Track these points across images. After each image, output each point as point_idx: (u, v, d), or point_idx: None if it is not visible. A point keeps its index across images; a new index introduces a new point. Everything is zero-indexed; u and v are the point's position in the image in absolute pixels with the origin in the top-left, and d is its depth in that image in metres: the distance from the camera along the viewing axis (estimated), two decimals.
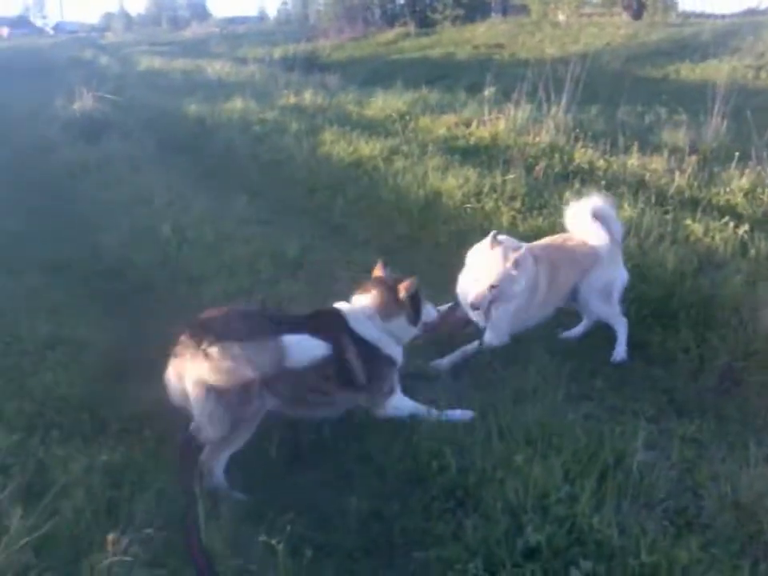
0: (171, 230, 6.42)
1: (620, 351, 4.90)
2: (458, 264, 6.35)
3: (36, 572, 2.35)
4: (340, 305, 3.94)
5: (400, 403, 3.90)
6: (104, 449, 3.36)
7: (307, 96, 12.67)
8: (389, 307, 3.89)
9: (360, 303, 3.90)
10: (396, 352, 3.92)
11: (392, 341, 3.91)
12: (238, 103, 12.18)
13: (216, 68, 16.48)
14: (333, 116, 11.12)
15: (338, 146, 9.32)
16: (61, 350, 4.25)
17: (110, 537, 2.43)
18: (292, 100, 12.53)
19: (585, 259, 4.90)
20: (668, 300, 5.20)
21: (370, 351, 3.80)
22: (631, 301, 5.26)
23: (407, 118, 10.89)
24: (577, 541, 3.05)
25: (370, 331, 3.83)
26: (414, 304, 3.95)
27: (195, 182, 8.62)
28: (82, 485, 2.94)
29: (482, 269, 4.63)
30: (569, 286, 4.94)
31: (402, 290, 3.88)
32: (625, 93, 11.10)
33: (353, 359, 3.73)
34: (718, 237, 5.92)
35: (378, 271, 4.08)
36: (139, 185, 8.04)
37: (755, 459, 3.66)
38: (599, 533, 3.06)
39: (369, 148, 9.00)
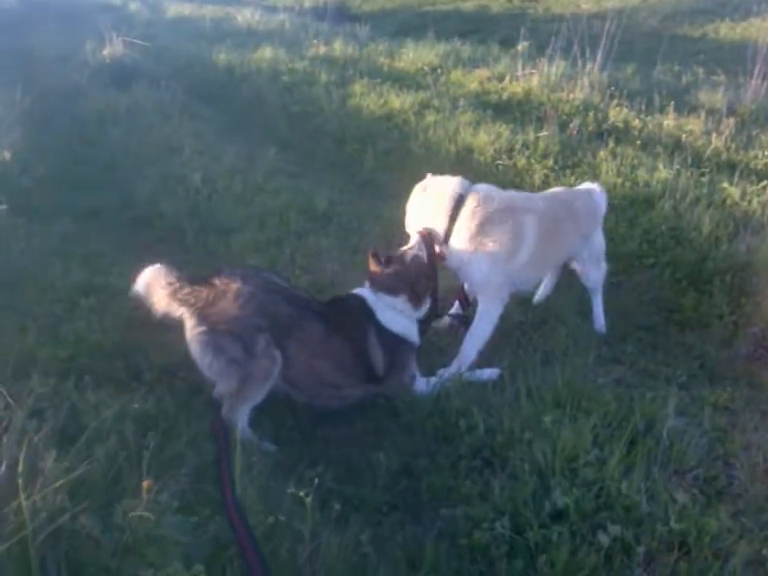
0: (201, 180, 6.39)
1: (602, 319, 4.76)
2: None
3: (70, 514, 2.37)
4: (364, 292, 3.86)
5: (421, 387, 3.83)
6: (136, 397, 3.38)
7: (337, 47, 12.48)
8: (417, 295, 3.85)
9: (385, 292, 3.82)
10: (416, 335, 3.89)
11: (415, 326, 3.87)
12: (267, 52, 12.02)
13: (246, 16, 16.22)
14: (363, 67, 10.95)
15: (368, 98, 9.20)
16: (93, 297, 4.26)
17: (146, 482, 2.44)
18: (322, 50, 12.34)
19: (588, 216, 4.59)
20: (702, 264, 5.13)
21: (393, 341, 3.75)
22: (665, 264, 5.21)
23: (439, 71, 10.71)
24: (604, 505, 3.04)
25: (397, 322, 3.79)
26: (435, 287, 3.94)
27: (224, 132, 8.55)
28: (114, 431, 2.96)
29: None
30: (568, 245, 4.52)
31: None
32: (662, 51, 10.80)
33: (375, 352, 3.68)
34: (755, 201, 5.81)
35: (373, 264, 3.94)
36: (169, 133, 7.98)
37: None
38: (627, 498, 3.04)
39: (399, 101, 8.87)
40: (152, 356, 3.95)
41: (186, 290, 3.49)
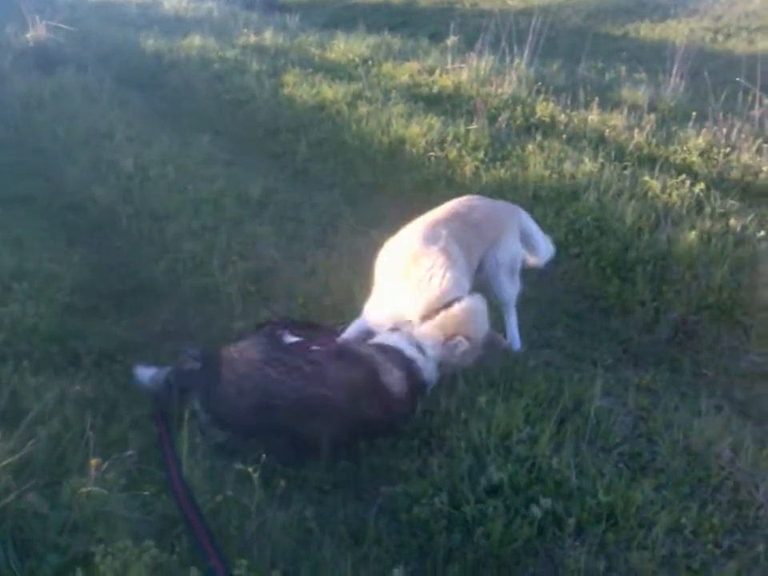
0: (133, 165, 6.32)
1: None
2: (421, 212, 6.43)
3: (17, 493, 2.38)
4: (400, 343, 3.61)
5: None
6: (76, 380, 3.37)
7: (268, 36, 12.38)
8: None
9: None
10: None
11: None
12: (196, 40, 11.84)
13: (173, 2, 15.92)
14: (295, 57, 10.90)
15: (300, 88, 9.19)
16: (27, 282, 4.18)
17: (93, 461, 2.46)
18: (252, 39, 12.23)
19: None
20: (626, 253, 5.34)
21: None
22: (591, 253, 5.41)
23: (370, 63, 10.76)
24: (537, 480, 3.18)
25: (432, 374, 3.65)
26: None
27: (154, 119, 8.44)
28: (56, 413, 2.96)
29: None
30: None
31: None
32: (586, 48, 11.11)
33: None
34: (675, 194, 6.07)
35: None
36: (97, 120, 7.83)
37: (706, 408, 3.86)
38: (558, 473, 3.20)
39: (332, 92, 8.90)
40: (88, 340, 3.93)
41: None
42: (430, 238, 3.88)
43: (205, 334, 4.26)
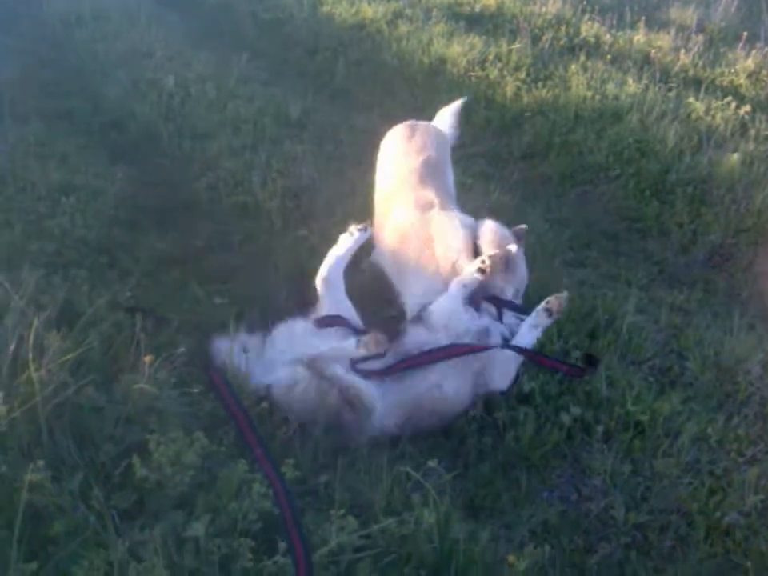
0: (174, 84, 6.35)
1: None
2: (460, 133, 6.41)
3: (74, 388, 2.53)
4: None
5: None
6: (125, 289, 3.51)
7: None
8: None
9: None
10: None
11: None
12: None
13: None
14: None
15: (339, 6, 9.05)
16: (74, 196, 4.29)
17: (147, 357, 2.61)
18: None
19: None
20: (666, 175, 5.32)
21: None
22: (630, 175, 5.39)
23: None
24: (567, 390, 3.30)
25: None
26: None
27: (193, 38, 8.40)
28: (107, 318, 3.10)
29: None
30: None
31: None
32: None
33: None
34: (719, 116, 5.97)
35: None
36: (137, 39, 7.82)
37: (737, 327, 3.91)
38: (588, 384, 3.31)
39: (372, 10, 8.75)
40: (136, 253, 4.07)
41: None
42: None
43: (245, 249, 4.38)
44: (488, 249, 3.55)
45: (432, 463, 2.51)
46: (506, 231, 3.70)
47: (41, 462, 2.19)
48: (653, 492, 2.90)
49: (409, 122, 4.49)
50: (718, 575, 2.64)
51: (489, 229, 3.68)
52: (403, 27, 8.15)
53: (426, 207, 3.83)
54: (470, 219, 3.78)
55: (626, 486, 2.92)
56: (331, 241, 4.12)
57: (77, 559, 2.07)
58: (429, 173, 4.05)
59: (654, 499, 2.88)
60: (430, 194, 3.89)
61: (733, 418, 3.25)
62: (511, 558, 2.31)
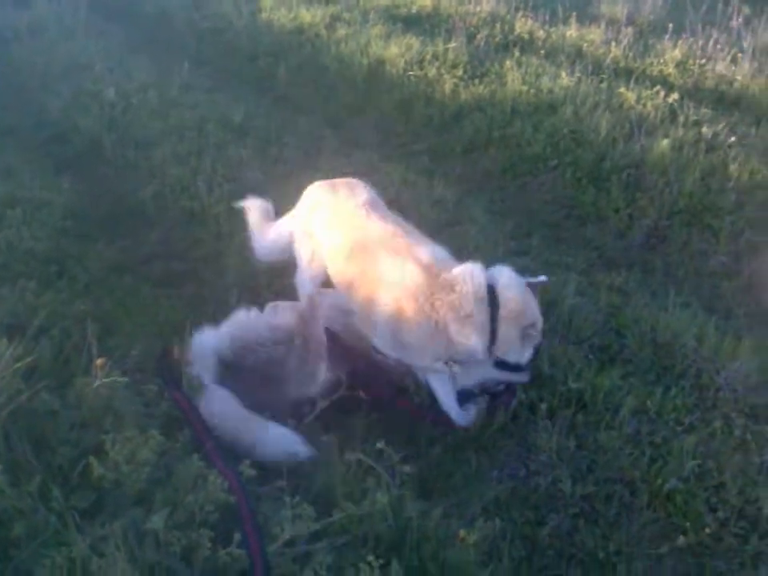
0: (115, 94, 6.36)
1: None
2: (401, 132, 6.54)
3: (28, 394, 2.56)
4: None
5: None
6: (74, 298, 3.54)
7: None
8: None
9: None
10: None
11: None
12: None
13: None
14: None
15: (278, 12, 9.11)
16: (20, 208, 4.31)
17: (99, 360, 2.65)
18: None
19: None
20: (601, 163, 5.49)
21: None
22: (567, 164, 5.55)
23: None
24: None
25: None
26: None
27: (133, 49, 8.38)
28: (56, 326, 3.13)
29: None
30: None
31: None
32: None
33: None
34: (649, 105, 6.17)
35: None
36: (76, 51, 7.81)
37: (673, 305, 4.07)
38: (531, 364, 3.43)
39: (310, 15, 8.83)
40: (84, 262, 4.09)
41: None
42: None
43: (193, 254, 4.43)
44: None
45: (380, 445, 2.60)
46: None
47: None
48: (597, 464, 3.04)
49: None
50: (660, 538, 2.78)
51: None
52: (341, 30, 8.25)
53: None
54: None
55: (571, 459, 3.05)
56: None
57: (39, 559, 2.11)
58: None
59: (598, 471, 3.01)
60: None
61: (670, 389, 3.40)
62: (462, 533, 2.41)
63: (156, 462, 2.46)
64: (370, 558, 2.22)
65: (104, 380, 2.65)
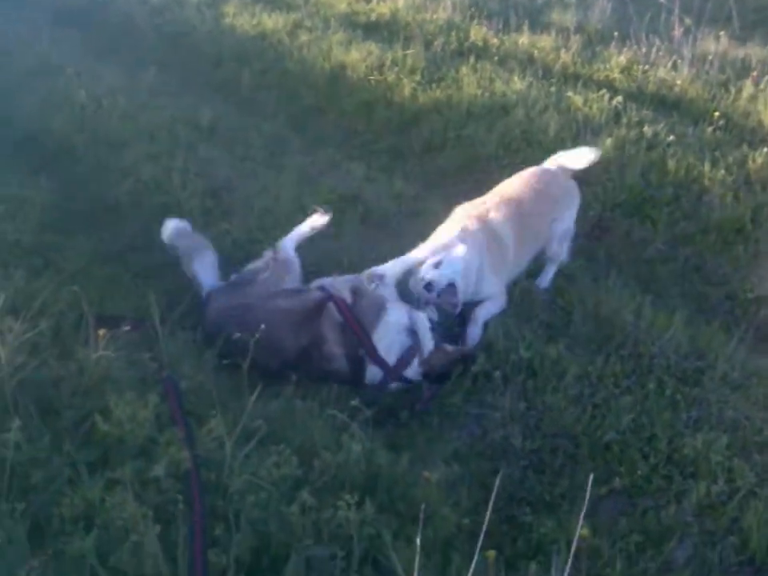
0: (86, 97, 6.58)
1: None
2: (363, 132, 6.88)
3: (33, 366, 2.84)
4: None
5: None
6: (62, 285, 3.79)
7: None
8: None
9: None
10: None
11: None
12: None
13: None
14: None
15: (241, 18, 9.37)
16: (3, 205, 4.53)
17: (101, 332, 2.94)
18: None
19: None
20: None
21: None
22: (519, 163, 5.91)
23: None
24: None
25: None
26: None
27: (99, 54, 8.59)
28: (53, 308, 3.40)
29: None
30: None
31: None
32: None
33: None
34: (595, 107, 6.60)
35: None
36: (42, 56, 7.99)
37: (614, 285, 4.49)
38: (487, 339, 3.81)
39: (272, 21, 9.11)
40: (66, 253, 4.35)
41: None
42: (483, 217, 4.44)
43: None
44: None
45: (354, 402, 2.94)
46: None
47: (17, 423, 2.50)
48: (544, 422, 3.43)
49: None
50: (600, 483, 3.15)
51: None
52: (304, 36, 8.54)
53: None
54: None
55: (522, 418, 3.44)
56: (252, 233, 4.54)
57: (56, 499, 2.40)
58: None
59: (545, 428, 3.41)
60: None
61: (610, 357, 3.80)
62: (427, 474, 2.76)
63: (154, 421, 2.77)
64: (347, 496, 2.56)
65: (103, 352, 2.95)
